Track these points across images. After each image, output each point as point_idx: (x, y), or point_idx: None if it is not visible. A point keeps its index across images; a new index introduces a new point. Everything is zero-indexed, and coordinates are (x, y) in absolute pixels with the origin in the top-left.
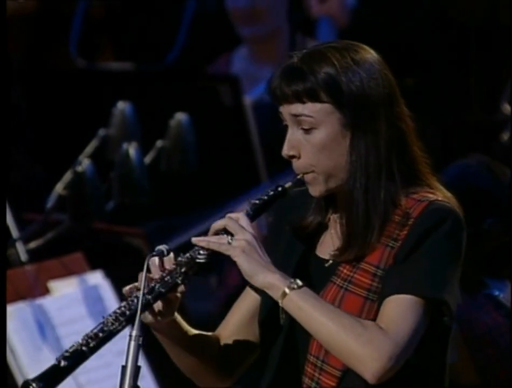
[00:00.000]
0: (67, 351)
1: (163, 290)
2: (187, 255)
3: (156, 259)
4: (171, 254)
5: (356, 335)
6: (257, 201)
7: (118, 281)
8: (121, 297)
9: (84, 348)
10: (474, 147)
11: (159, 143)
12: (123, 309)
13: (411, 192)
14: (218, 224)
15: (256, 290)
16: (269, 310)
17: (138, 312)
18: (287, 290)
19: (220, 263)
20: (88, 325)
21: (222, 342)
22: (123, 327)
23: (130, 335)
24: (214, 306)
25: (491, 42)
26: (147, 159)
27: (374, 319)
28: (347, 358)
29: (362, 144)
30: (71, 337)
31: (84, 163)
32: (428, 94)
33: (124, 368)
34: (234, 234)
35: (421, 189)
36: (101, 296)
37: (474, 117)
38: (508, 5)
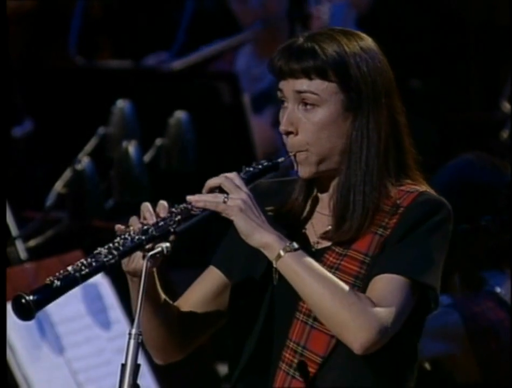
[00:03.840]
0: (59, 274)
1: (156, 234)
2: (182, 206)
3: (150, 205)
4: (165, 203)
5: (349, 304)
6: (251, 169)
7: (117, 279)
8: (120, 295)
9: (77, 274)
10: (473, 146)
11: (158, 141)
12: (116, 244)
13: (399, 184)
14: (212, 182)
15: (226, 271)
16: (248, 292)
17: (137, 315)
18: (282, 252)
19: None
20: (87, 323)
21: (182, 314)
22: (116, 262)
23: (130, 334)
24: None
25: (490, 42)
26: (147, 157)
27: None
28: (337, 326)
29: (365, 129)
30: (71, 334)
31: (84, 161)
32: (428, 92)
33: (123, 366)
34: (229, 193)
35: (406, 182)
36: (100, 293)
37: (473, 116)
38: (506, 5)
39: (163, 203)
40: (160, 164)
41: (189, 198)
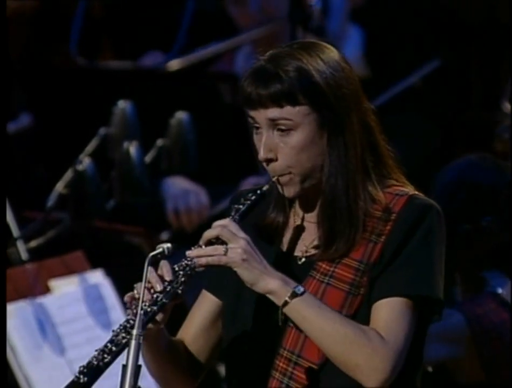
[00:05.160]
0: (83, 366)
1: (166, 301)
2: (184, 263)
3: (154, 271)
4: (168, 264)
5: (360, 346)
6: (240, 206)
7: (119, 279)
8: (122, 296)
9: (100, 363)
10: (474, 146)
11: (159, 142)
12: (131, 321)
13: (385, 186)
14: (209, 234)
15: (218, 293)
16: (239, 305)
17: (138, 313)
18: (288, 299)
19: None
20: (88, 324)
21: (187, 348)
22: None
23: (131, 335)
24: None
25: (490, 41)
26: (148, 158)
27: (355, 314)
28: (350, 369)
29: (341, 142)
30: (72, 335)
31: (85, 162)
32: (428, 92)
33: (124, 367)
34: (228, 242)
35: (392, 183)
36: (102, 294)
37: (474, 116)
38: (507, 5)
39: (166, 265)
40: (161, 164)
41: (189, 253)
